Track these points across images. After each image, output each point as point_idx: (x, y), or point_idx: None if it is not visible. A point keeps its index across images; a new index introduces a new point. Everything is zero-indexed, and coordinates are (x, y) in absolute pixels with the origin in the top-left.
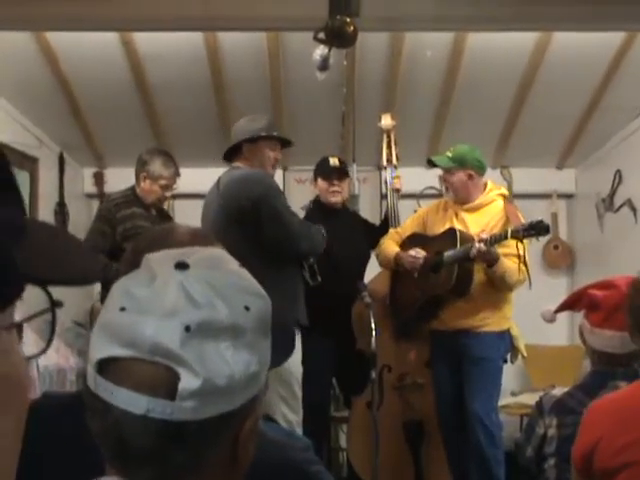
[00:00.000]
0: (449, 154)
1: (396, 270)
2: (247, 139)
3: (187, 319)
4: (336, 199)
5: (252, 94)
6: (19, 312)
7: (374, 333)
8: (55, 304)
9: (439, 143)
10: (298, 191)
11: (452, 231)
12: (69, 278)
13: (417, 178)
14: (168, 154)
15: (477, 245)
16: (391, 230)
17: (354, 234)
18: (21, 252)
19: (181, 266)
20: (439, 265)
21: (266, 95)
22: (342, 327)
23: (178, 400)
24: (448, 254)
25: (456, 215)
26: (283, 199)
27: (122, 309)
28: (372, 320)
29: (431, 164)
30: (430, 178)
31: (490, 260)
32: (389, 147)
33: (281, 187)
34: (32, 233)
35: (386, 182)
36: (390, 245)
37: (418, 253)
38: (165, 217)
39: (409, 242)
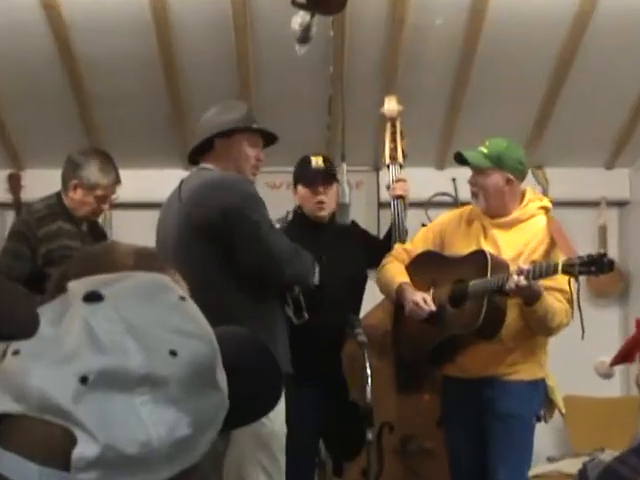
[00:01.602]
0: (484, 149)
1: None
2: (220, 133)
3: (84, 367)
4: (322, 213)
5: (212, 75)
6: None
7: (370, 381)
8: None
9: (453, 137)
10: (272, 199)
11: (481, 254)
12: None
13: (425, 182)
14: (107, 156)
15: (515, 278)
16: (397, 246)
17: (345, 254)
18: None
19: (92, 298)
20: (462, 297)
21: (230, 76)
22: (330, 373)
23: (74, 471)
24: (475, 284)
25: (484, 231)
26: (264, 212)
27: (15, 352)
28: (367, 364)
29: (460, 160)
30: (441, 182)
31: (530, 297)
32: (394, 140)
33: None
34: None
35: (389, 186)
36: (393, 270)
37: (426, 302)
38: (99, 235)
39: (419, 264)
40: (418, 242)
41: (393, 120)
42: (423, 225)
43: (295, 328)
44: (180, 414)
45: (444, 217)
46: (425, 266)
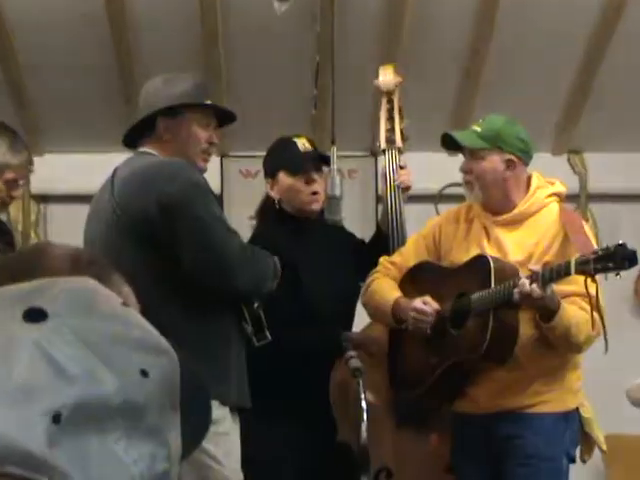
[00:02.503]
0: (477, 128)
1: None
2: (163, 110)
3: (54, 402)
4: (317, 205)
5: (171, 38)
6: None
7: (365, 416)
8: None
9: (469, 116)
10: (244, 190)
11: (482, 260)
12: None
13: (435, 170)
14: (15, 132)
15: (523, 282)
16: (383, 260)
17: (336, 260)
18: None
19: (34, 316)
20: (464, 315)
21: (193, 40)
22: (314, 406)
23: None
24: (477, 298)
25: (486, 232)
26: (213, 206)
27: None
28: (363, 396)
29: (449, 144)
30: (455, 170)
31: (545, 308)
32: (391, 119)
33: (217, 184)
34: None
35: (385, 176)
36: (384, 287)
37: (428, 305)
38: (4, 233)
39: (412, 280)
40: (409, 253)
41: (389, 94)
42: None
43: (268, 350)
44: (157, 446)
45: (438, 219)
46: (420, 282)
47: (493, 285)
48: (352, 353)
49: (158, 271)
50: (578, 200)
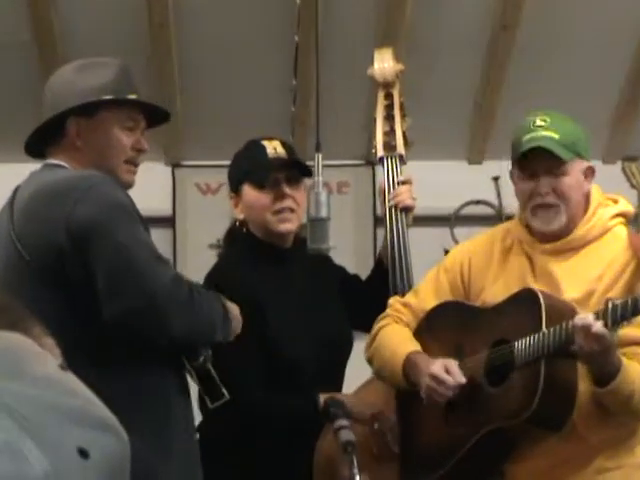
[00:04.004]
0: (551, 133)
1: None
2: (75, 109)
3: None
4: (288, 226)
5: (105, 16)
6: None
7: None
8: None
9: (493, 116)
10: (203, 210)
11: (528, 296)
12: None
13: (450, 184)
14: None
15: (586, 319)
16: (393, 301)
17: (319, 301)
18: None
19: None
20: (505, 368)
21: (137, 17)
22: None
23: None
24: (523, 345)
25: (530, 263)
26: (138, 230)
27: None
28: (357, 476)
29: (525, 155)
30: (476, 183)
31: (604, 363)
32: (390, 119)
33: (168, 202)
34: None
35: (383, 191)
36: (393, 336)
37: (451, 374)
38: None
39: (433, 325)
40: (427, 292)
41: (388, 87)
42: (447, 252)
43: (232, 417)
44: None
45: (465, 247)
46: (442, 328)
47: (544, 327)
48: (344, 422)
49: (67, 315)
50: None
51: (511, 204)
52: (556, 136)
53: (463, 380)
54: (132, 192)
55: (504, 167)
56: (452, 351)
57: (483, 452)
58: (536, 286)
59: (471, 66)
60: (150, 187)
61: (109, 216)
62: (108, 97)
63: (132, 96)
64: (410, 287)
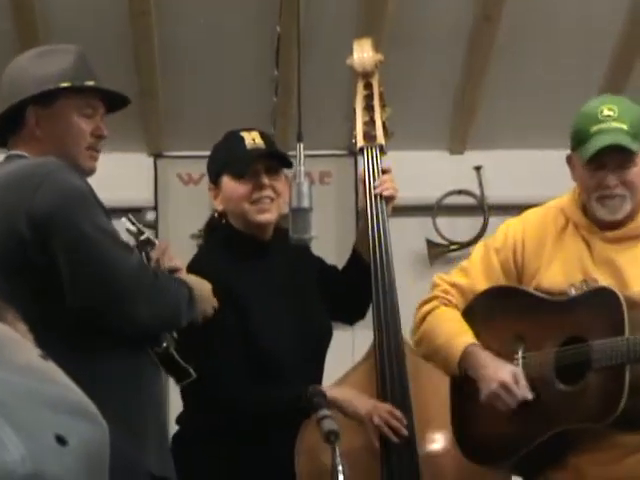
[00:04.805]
0: (620, 124)
1: None
2: (33, 97)
3: None
4: (267, 216)
5: (86, 4)
6: None
7: None
8: None
9: (475, 103)
10: (184, 200)
11: (608, 297)
12: None
13: (431, 173)
14: None
15: None
16: (439, 280)
17: (303, 291)
18: None
19: None
20: (580, 367)
21: (119, 6)
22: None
23: None
24: (602, 347)
25: (588, 247)
26: (100, 217)
27: None
28: (339, 467)
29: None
30: (458, 173)
31: None
32: (369, 109)
33: (149, 192)
34: None
35: (365, 182)
36: (447, 322)
37: (519, 386)
38: None
39: (487, 311)
40: (477, 272)
41: (367, 76)
42: (429, 242)
43: (211, 410)
44: None
45: (517, 225)
46: (500, 314)
47: (627, 332)
48: (326, 412)
49: (31, 306)
50: None
51: (493, 194)
52: (625, 127)
53: (529, 396)
54: (114, 182)
55: (486, 157)
56: (510, 341)
57: (549, 446)
58: (598, 274)
59: (453, 56)
60: (132, 178)
61: (69, 204)
62: (66, 85)
63: (90, 82)
64: (391, 277)
